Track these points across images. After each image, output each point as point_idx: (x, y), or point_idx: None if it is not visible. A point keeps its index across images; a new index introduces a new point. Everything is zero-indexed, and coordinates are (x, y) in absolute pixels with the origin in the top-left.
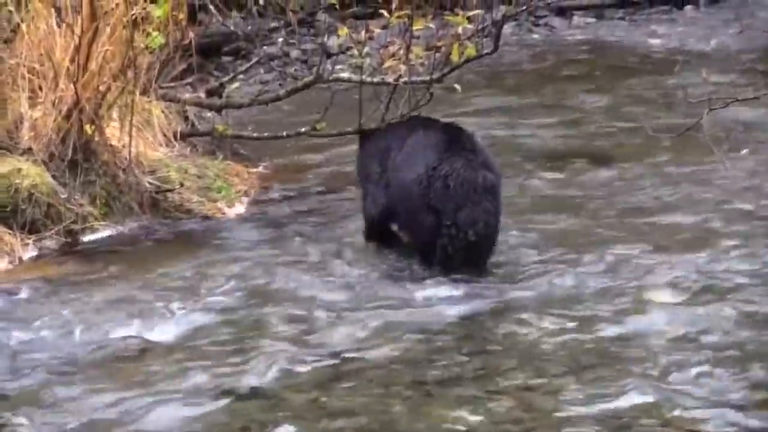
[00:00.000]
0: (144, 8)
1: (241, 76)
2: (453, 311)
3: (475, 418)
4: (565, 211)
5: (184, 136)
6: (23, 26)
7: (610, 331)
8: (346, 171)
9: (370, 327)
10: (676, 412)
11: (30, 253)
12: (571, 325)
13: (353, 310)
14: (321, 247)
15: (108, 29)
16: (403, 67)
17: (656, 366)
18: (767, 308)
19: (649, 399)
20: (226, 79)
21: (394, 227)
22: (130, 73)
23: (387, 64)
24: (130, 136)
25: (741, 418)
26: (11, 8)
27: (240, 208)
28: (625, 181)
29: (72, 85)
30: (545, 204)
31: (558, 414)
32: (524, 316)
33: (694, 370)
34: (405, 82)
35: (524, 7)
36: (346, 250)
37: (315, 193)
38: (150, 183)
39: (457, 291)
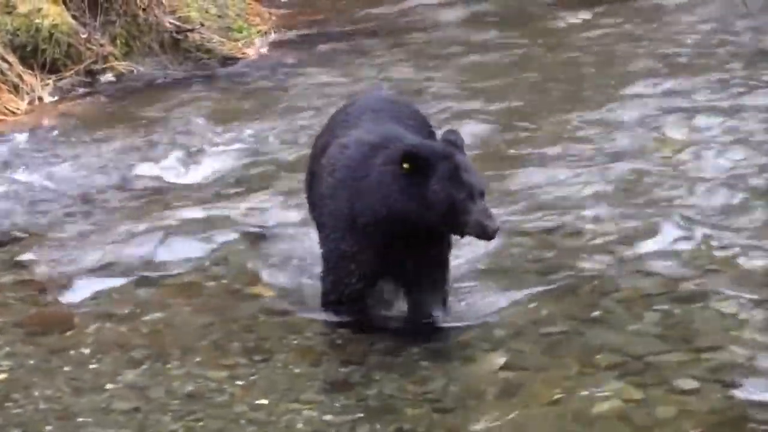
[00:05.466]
0: None
1: None
2: None
3: None
4: None
5: None
6: None
7: None
8: (368, 12)
9: None
10: None
11: (50, 92)
12: None
13: None
14: (340, 89)
15: None
16: None
17: None
18: None
19: None
20: None
21: None
22: None
23: None
24: None
25: None
26: None
27: (260, 49)
28: None
29: None
30: None
31: None
32: None
33: None
34: None
35: None
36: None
37: (335, 34)
38: (170, 23)
39: None
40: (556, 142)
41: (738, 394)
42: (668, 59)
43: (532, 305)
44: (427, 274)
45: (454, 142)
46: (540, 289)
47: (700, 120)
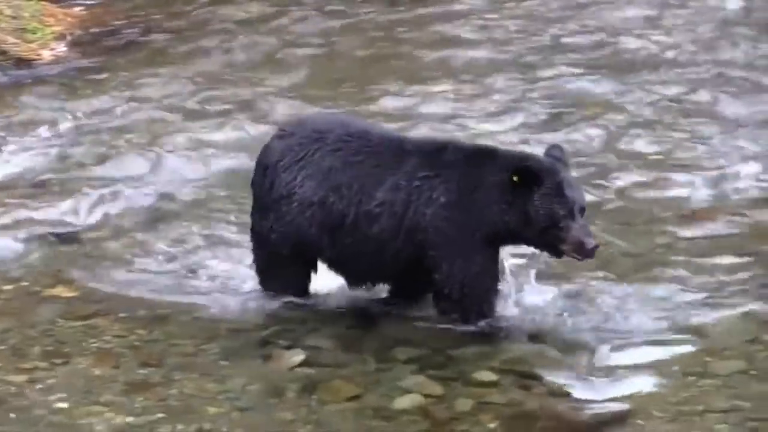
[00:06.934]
0: None
1: None
2: None
3: None
4: None
5: None
6: None
7: None
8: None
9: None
10: None
11: None
12: None
13: None
14: (135, 89)
15: None
16: None
17: None
18: None
19: None
20: None
21: None
22: None
23: None
24: None
25: None
26: None
27: (56, 50)
28: None
29: None
30: None
31: None
32: None
33: None
34: None
35: None
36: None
37: (133, 34)
38: None
39: None
40: None
41: (535, 385)
42: (468, 54)
43: (328, 301)
44: None
45: (559, 157)
46: (335, 284)
47: (501, 114)
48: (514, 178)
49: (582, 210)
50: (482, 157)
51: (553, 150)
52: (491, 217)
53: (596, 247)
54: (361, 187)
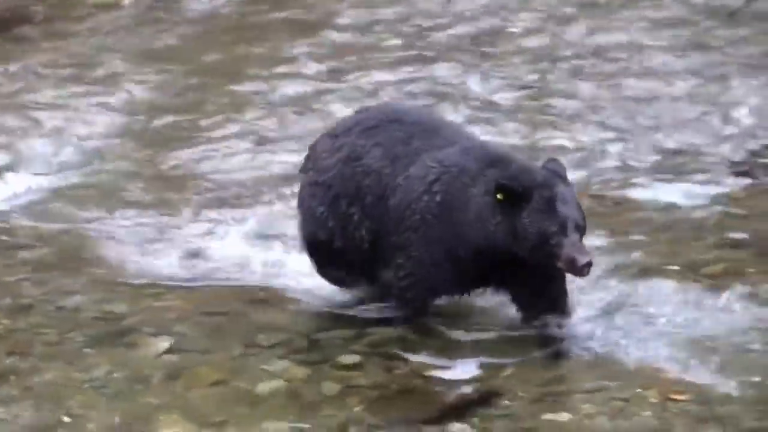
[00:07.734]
0: None
1: None
2: None
3: None
4: None
5: None
6: None
7: None
8: None
9: None
10: None
11: None
12: None
13: None
14: None
15: None
16: None
17: None
18: None
19: None
20: None
21: None
22: None
23: None
24: None
25: None
26: None
27: None
28: None
29: None
30: None
31: None
32: None
33: None
34: None
35: None
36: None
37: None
38: None
39: None
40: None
41: (399, 366)
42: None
43: (194, 288)
44: (533, 285)
45: (556, 171)
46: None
47: (366, 99)
48: (498, 197)
49: (578, 227)
50: (487, 166)
51: (551, 163)
52: (475, 237)
53: (589, 264)
54: (406, 163)
